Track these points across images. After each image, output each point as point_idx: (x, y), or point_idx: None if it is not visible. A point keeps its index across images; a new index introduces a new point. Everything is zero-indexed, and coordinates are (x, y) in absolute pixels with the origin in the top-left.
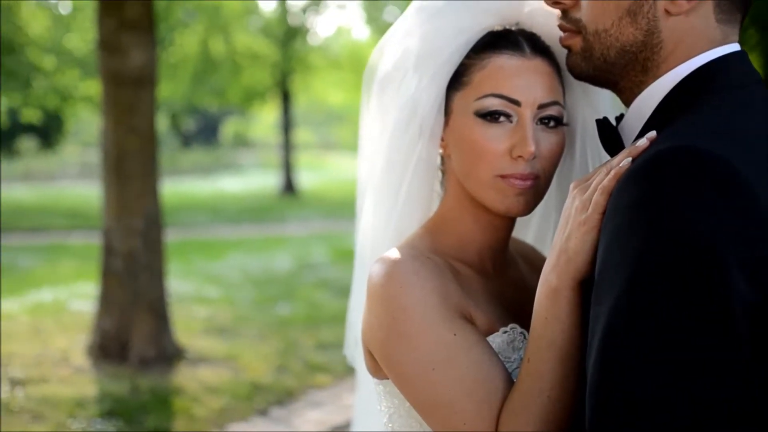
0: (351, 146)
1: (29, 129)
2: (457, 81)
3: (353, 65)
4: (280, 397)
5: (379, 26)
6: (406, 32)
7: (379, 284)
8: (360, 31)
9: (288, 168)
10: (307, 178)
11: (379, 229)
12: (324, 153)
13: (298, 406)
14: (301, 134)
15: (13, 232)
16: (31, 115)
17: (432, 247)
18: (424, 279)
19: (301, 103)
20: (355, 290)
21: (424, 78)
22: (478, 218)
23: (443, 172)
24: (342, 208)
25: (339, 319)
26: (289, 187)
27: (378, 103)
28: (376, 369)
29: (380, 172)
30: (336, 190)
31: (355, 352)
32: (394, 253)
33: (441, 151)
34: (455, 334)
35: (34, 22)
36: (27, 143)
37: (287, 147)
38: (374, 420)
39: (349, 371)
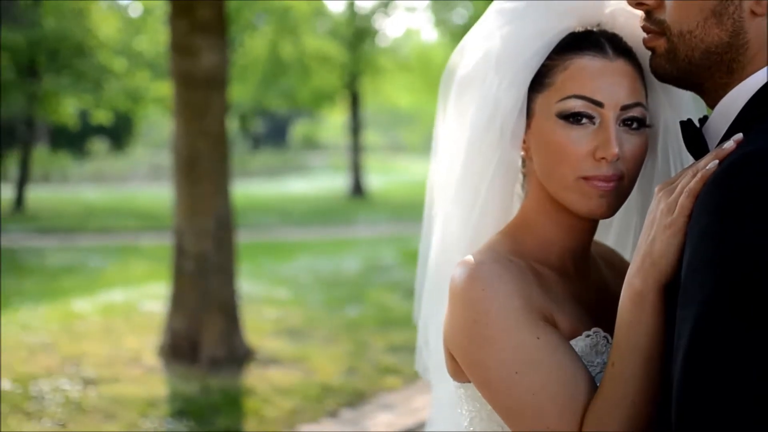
0: (419, 148)
1: (100, 131)
2: (538, 83)
3: (422, 67)
4: (350, 399)
5: (448, 28)
6: (487, 34)
7: (461, 288)
8: (428, 33)
9: (356, 170)
10: (375, 181)
11: (456, 232)
12: (392, 155)
13: (368, 408)
14: (370, 136)
15: (84, 233)
16: (101, 117)
17: (514, 250)
18: (507, 282)
19: (369, 105)
20: (425, 298)
21: (505, 80)
22: (560, 221)
23: (524, 175)
24: (410, 210)
25: (409, 321)
26: (358, 190)
27: (456, 105)
28: (458, 372)
29: (458, 175)
30: (404, 192)
31: (428, 363)
32: (476, 257)
33: (522, 153)
34: (538, 338)
35: (104, 25)
36: (98, 145)
37: (356, 149)
38: (448, 423)
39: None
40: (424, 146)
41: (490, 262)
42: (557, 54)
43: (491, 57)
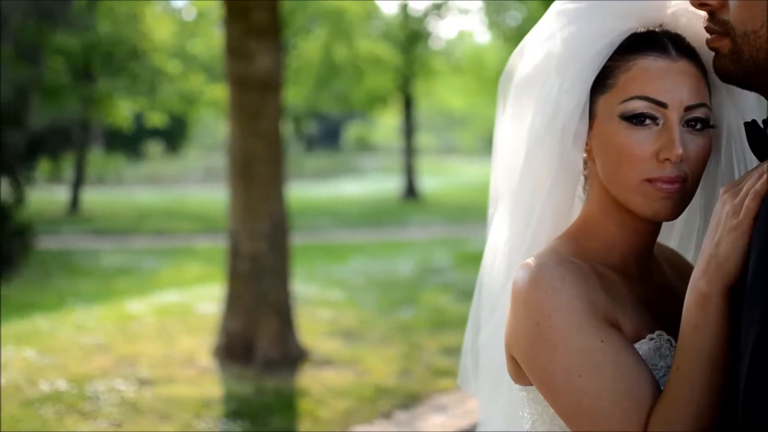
0: (472, 151)
1: (154, 133)
2: (600, 84)
3: (475, 69)
4: (404, 400)
5: (501, 30)
6: (547, 35)
7: (523, 290)
8: (482, 35)
9: (410, 172)
10: (428, 183)
11: (516, 235)
12: (445, 157)
13: (422, 410)
14: (423, 138)
15: (138, 234)
16: (156, 120)
17: (576, 253)
18: (570, 284)
19: (422, 107)
20: (481, 301)
21: (566, 81)
22: (624, 223)
23: (586, 177)
24: (464, 212)
25: (463, 323)
26: (411, 192)
27: (515, 107)
28: (520, 375)
29: (518, 177)
30: (458, 194)
31: (471, 368)
32: (539, 259)
33: (584, 155)
34: (602, 341)
35: (158, 28)
36: (152, 147)
37: (409, 151)
38: (498, 425)
39: None
40: (477, 148)
41: (553, 264)
42: (620, 55)
43: (552, 58)
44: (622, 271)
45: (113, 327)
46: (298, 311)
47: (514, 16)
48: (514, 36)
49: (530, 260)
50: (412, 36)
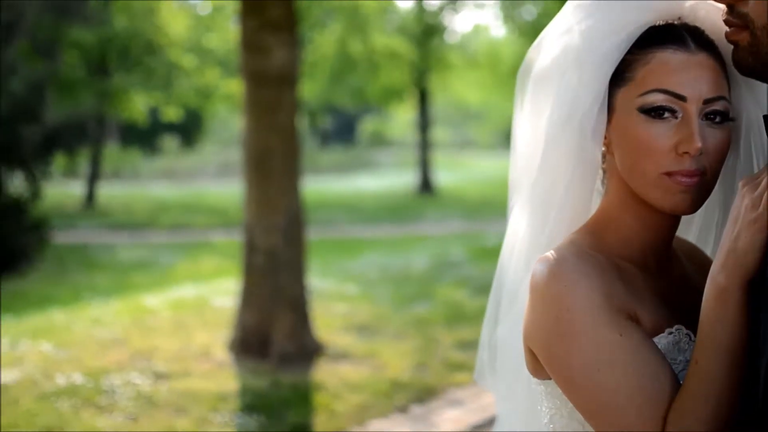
0: (488, 145)
1: (170, 128)
2: (619, 77)
3: (490, 64)
4: (419, 394)
5: (517, 24)
6: (565, 29)
7: (542, 283)
8: (497, 29)
9: (425, 167)
10: (444, 177)
11: (535, 229)
12: (461, 152)
13: (437, 404)
14: (438, 133)
15: (154, 229)
16: (171, 114)
17: (595, 246)
18: (589, 278)
19: (438, 101)
20: (499, 296)
21: (585, 74)
22: (642, 216)
23: (604, 171)
24: (480, 207)
25: (478, 317)
26: (426, 186)
27: (533, 101)
28: (538, 369)
29: (536, 171)
30: (473, 189)
31: (487, 363)
32: (558, 252)
33: (603, 149)
34: (621, 335)
35: (174, 23)
36: (168, 142)
37: (424, 146)
38: (517, 423)
39: None
40: (492, 143)
41: (572, 257)
42: (638, 48)
43: (570, 52)
44: (640, 264)
45: (129, 321)
46: (313, 305)
47: (529, 10)
48: (530, 30)
49: (549, 253)
50: (427, 30)
